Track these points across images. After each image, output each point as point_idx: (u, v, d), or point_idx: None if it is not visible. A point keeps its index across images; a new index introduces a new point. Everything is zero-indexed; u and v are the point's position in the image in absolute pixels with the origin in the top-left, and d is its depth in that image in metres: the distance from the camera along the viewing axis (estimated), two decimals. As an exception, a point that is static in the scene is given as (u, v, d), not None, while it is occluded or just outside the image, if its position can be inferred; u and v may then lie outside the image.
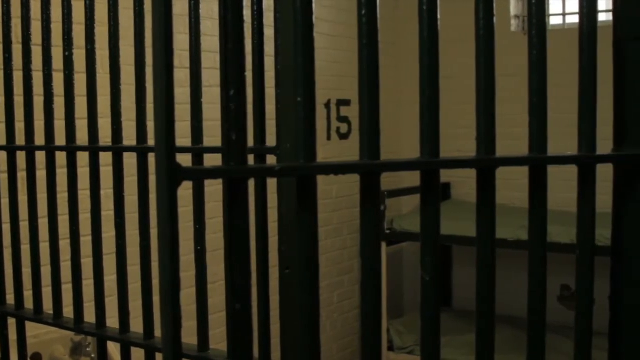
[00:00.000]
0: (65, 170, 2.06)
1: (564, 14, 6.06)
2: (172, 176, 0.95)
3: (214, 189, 1.76)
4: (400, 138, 6.46)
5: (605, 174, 1.38)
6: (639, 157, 1.29)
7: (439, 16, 1.16)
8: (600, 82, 1.29)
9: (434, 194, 1.17)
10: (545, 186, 1.26)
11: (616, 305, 1.33)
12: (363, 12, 1.11)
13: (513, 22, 6.09)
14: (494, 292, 1.23)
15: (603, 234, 1.39)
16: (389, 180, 6.00)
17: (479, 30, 1.21)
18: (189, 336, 1.50)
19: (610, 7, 1.36)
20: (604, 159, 1.30)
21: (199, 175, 1.13)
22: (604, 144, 1.33)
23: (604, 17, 5.76)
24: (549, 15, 6.09)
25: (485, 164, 1.21)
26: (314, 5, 1.07)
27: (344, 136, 5.92)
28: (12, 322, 2.22)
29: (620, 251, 1.32)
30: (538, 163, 1.25)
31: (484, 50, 1.21)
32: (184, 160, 1.12)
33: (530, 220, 1.27)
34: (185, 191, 1.29)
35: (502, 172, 1.22)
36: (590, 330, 1.29)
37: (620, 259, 1.32)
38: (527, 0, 1.26)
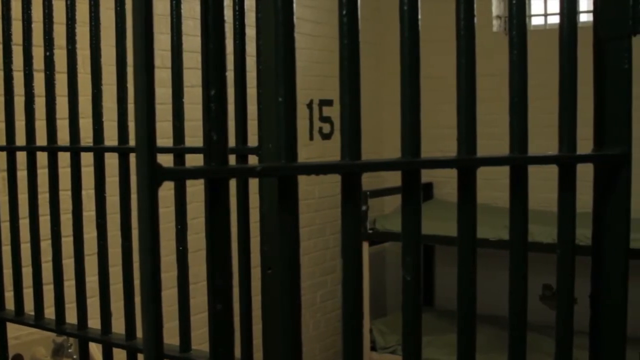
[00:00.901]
0: (46, 171, 2.05)
1: (545, 15, 6.09)
2: (153, 176, 0.94)
3: (195, 189, 1.75)
4: (382, 138, 6.46)
5: (585, 173, 1.39)
6: (619, 157, 1.30)
7: (420, 16, 1.16)
8: (581, 82, 1.30)
9: (415, 193, 1.17)
10: (526, 186, 1.26)
11: (597, 304, 1.34)
12: (344, 12, 1.11)
13: (495, 22, 6.10)
14: (475, 292, 1.24)
15: (584, 234, 1.40)
16: (371, 181, 6.00)
17: (460, 31, 1.21)
18: (170, 337, 1.50)
19: (591, 7, 1.36)
20: (584, 158, 1.30)
21: (180, 176, 1.13)
22: (585, 144, 1.34)
23: (585, 17, 5.79)
24: (531, 15, 6.12)
25: (466, 164, 1.21)
26: (295, 5, 1.07)
27: (326, 136, 5.91)
28: (-8, 324, 2.20)
29: (601, 250, 1.33)
30: (519, 163, 1.26)
31: (464, 51, 1.21)
32: (166, 160, 1.12)
33: (511, 220, 1.27)
34: (167, 191, 1.29)
35: (484, 172, 1.23)
36: (571, 329, 1.30)
37: (601, 258, 1.33)
38: (508, 1, 1.26)
